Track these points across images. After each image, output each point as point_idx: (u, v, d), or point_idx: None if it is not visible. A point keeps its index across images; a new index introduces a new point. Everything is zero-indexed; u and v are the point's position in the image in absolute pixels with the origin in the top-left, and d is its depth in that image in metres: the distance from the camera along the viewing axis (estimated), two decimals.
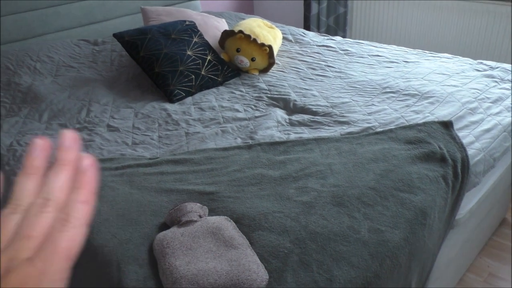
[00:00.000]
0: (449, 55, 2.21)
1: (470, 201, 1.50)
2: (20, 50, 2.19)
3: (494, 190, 1.70)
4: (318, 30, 3.24)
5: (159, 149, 1.56)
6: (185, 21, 2.18)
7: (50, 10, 2.40)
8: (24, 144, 1.59)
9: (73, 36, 2.51)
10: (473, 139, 1.52)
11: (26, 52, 2.16)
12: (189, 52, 2.02)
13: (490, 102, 1.73)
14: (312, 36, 2.58)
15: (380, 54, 2.27)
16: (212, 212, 1.20)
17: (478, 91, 1.80)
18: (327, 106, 1.75)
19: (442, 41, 2.85)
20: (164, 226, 1.16)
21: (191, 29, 2.14)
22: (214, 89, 2.00)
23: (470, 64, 2.08)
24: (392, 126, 1.58)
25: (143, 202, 1.24)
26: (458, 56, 2.19)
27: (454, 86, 1.84)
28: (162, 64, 1.95)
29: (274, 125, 1.65)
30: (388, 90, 1.86)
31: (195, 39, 2.10)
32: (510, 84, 1.86)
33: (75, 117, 1.78)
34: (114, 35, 2.03)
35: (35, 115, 1.79)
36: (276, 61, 2.25)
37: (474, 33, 2.70)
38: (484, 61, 2.08)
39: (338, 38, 2.54)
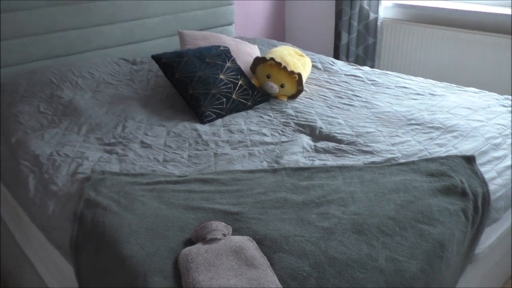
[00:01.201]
0: (476, 90, 2.23)
1: (490, 236, 1.51)
2: (64, 65, 2.33)
3: None
4: (347, 59, 3.31)
5: (188, 168, 1.63)
6: (219, 46, 2.28)
7: (94, 29, 2.55)
8: (63, 155, 1.69)
9: (113, 55, 2.66)
10: (495, 174, 1.54)
11: (70, 67, 2.30)
12: (221, 76, 2.11)
13: None
14: (340, 65, 2.64)
15: (406, 85, 2.32)
16: (235, 231, 1.26)
17: (503, 126, 1.81)
18: (352, 135, 1.80)
19: (469, 75, 2.87)
20: (190, 242, 1.22)
21: (224, 54, 2.24)
22: (243, 113, 2.08)
23: (496, 99, 2.10)
24: (415, 158, 1.61)
25: (171, 218, 1.31)
26: (484, 91, 2.21)
27: (479, 121, 1.87)
28: (195, 86, 2.04)
29: (300, 151, 1.71)
30: (413, 122, 1.89)
31: (228, 64, 2.19)
32: None
33: (111, 132, 1.88)
34: (153, 57, 2.15)
35: (74, 127, 1.91)
36: (305, 89, 2.32)
37: (502, 69, 2.71)
38: (511, 97, 2.10)
39: (366, 68, 2.60)
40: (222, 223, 1.24)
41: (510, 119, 1.89)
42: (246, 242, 1.17)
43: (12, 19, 2.25)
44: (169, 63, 2.12)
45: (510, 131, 1.79)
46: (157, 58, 2.15)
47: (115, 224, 1.27)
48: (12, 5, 2.23)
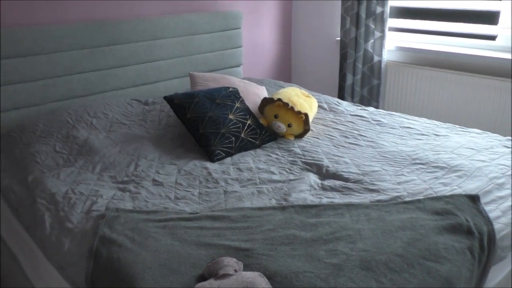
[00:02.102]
0: (479, 131, 2.29)
1: (498, 275, 1.53)
2: (80, 106, 2.43)
3: None
4: (352, 99, 3.40)
5: (199, 205, 1.68)
6: (228, 87, 2.38)
7: (109, 71, 2.67)
8: (78, 193, 1.75)
9: (127, 95, 2.76)
10: (500, 213, 1.57)
11: (85, 108, 2.40)
12: (231, 116, 2.19)
13: None
14: (346, 106, 2.72)
15: (411, 126, 2.38)
16: (246, 267, 1.29)
17: (506, 167, 1.86)
18: (358, 174, 1.85)
19: (471, 116, 2.94)
20: (202, 278, 1.26)
21: (234, 95, 2.33)
22: (252, 151, 2.14)
23: (499, 140, 2.15)
24: (420, 197, 1.65)
25: (183, 254, 1.35)
26: (487, 132, 2.27)
27: (483, 161, 1.91)
28: (206, 126, 2.12)
29: (307, 189, 1.75)
30: (417, 161, 1.94)
31: (237, 105, 2.28)
32: None
33: (124, 170, 1.94)
34: (165, 98, 2.24)
35: (89, 166, 1.97)
36: (311, 128, 2.39)
37: (505, 111, 2.78)
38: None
39: (371, 108, 2.68)
40: (234, 259, 1.27)
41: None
42: (257, 278, 1.20)
43: (33, 62, 2.37)
44: (181, 104, 2.20)
45: None
46: (169, 99, 2.24)
47: (129, 261, 1.31)
48: (33, 49, 2.35)
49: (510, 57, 2.71)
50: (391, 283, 1.22)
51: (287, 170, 1.94)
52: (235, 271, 1.23)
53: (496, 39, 2.84)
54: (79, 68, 2.54)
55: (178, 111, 2.21)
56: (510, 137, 2.17)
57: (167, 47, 2.89)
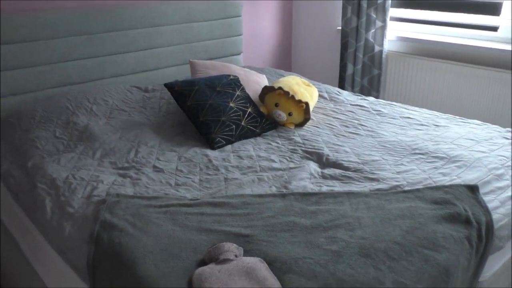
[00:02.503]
0: (479, 122, 2.29)
1: (495, 264, 1.54)
2: (79, 92, 2.42)
3: None
4: (353, 89, 3.40)
5: (199, 191, 1.68)
6: (229, 75, 2.37)
7: (108, 58, 2.65)
8: (79, 178, 1.75)
9: (126, 82, 2.75)
10: (498, 204, 1.58)
11: (85, 94, 2.39)
12: (231, 104, 2.19)
13: None
14: (346, 95, 2.72)
15: (411, 116, 2.39)
16: (246, 253, 1.30)
17: (505, 158, 1.87)
18: (358, 163, 1.86)
19: (472, 107, 2.94)
20: (203, 263, 1.27)
21: (234, 83, 2.33)
22: (252, 139, 2.15)
23: (498, 131, 2.16)
24: (419, 186, 1.66)
25: (184, 239, 1.36)
26: (487, 123, 2.28)
27: (482, 152, 1.92)
28: (206, 113, 2.12)
29: (307, 177, 1.76)
30: (417, 151, 1.95)
31: (237, 93, 2.27)
32: None
33: (124, 156, 1.94)
34: (165, 85, 2.23)
35: (89, 152, 1.97)
36: (312, 117, 2.39)
37: (505, 102, 2.78)
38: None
39: (371, 98, 2.68)
40: (234, 244, 1.28)
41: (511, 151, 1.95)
42: (257, 263, 1.21)
43: (30, 48, 2.35)
44: (181, 91, 2.20)
45: None
46: (169, 86, 2.23)
47: (130, 245, 1.32)
48: (30, 35, 2.34)
49: (511, 49, 2.71)
50: (389, 270, 1.24)
51: (288, 158, 1.94)
52: (236, 256, 1.24)
53: (498, 30, 2.84)
54: (77, 55, 2.52)
55: (179, 98, 2.20)
56: (509, 129, 2.18)
57: (166, 34, 2.88)
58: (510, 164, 1.83)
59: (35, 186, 1.74)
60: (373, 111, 2.48)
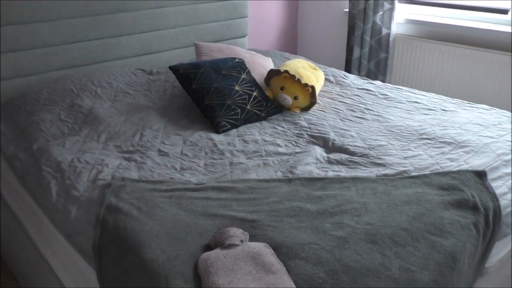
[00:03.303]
0: (487, 107, 2.26)
1: (501, 250, 1.53)
2: (84, 75, 2.40)
3: None
4: (359, 73, 3.36)
5: (204, 176, 1.68)
6: (235, 58, 2.35)
7: (112, 40, 2.62)
8: (84, 162, 1.75)
9: (130, 64, 2.73)
10: (506, 190, 1.57)
11: (89, 77, 2.37)
12: (237, 88, 2.17)
13: None
14: (352, 79, 2.69)
15: (418, 101, 2.36)
16: (252, 238, 1.30)
17: None
18: (365, 148, 1.84)
19: (480, 91, 2.91)
20: (208, 247, 1.27)
21: (240, 66, 2.30)
22: (257, 123, 2.13)
23: (507, 116, 2.13)
24: (426, 172, 1.65)
25: (190, 224, 1.35)
26: (495, 108, 2.25)
27: (490, 137, 1.90)
28: (211, 97, 2.10)
29: (313, 162, 1.75)
30: (424, 136, 1.93)
31: (243, 76, 2.25)
32: None
33: (129, 140, 1.93)
34: (170, 68, 2.21)
35: (94, 135, 1.96)
36: (318, 101, 2.36)
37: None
38: None
39: (378, 82, 2.64)
40: (240, 229, 1.28)
41: None
42: (263, 249, 1.21)
43: (34, 29, 2.33)
44: (186, 74, 2.18)
45: None
46: (174, 68, 2.21)
47: (136, 229, 1.32)
48: (34, 17, 2.31)
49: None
50: (395, 256, 1.23)
51: (293, 142, 1.93)
52: (241, 241, 1.24)
53: (509, 13, 2.78)
54: (81, 37, 2.50)
55: (184, 81, 2.18)
56: None
57: (171, 16, 2.84)
58: None
59: (41, 169, 1.74)
60: (379, 95, 2.45)
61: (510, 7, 2.78)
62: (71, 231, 1.47)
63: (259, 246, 1.22)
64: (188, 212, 1.41)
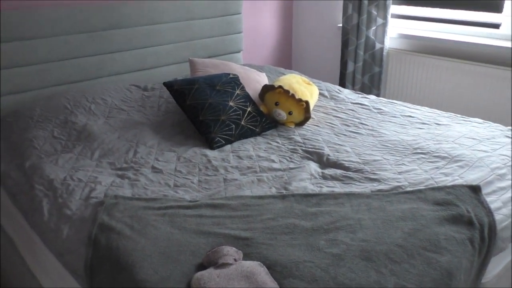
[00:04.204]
0: (481, 120, 2.27)
1: (497, 266, 1.53)
2: (78, 91, 2.40)
3: None
4: (353, 87, 3.37)
5: (198, 193, 1.66)
6: (229, 74, 2.35)
7: (107, 56, 2.63)
8: (77, 179, 1.73)
9: (125, 80, 2.73)
10: (501, 204, 1.56)
11: (83, 93, 2.37)
12: (231, 103, 2.17)
13: None
14: (347, 94, 2.70)
15: (412, 115, 2.36)
16: (246, 256, 1.28)
17: (507, 157, 1.85)
18: (359, 163, 1.84)
19: (474, 105, 2.92)
20: (202, 267, 1.25)
21: (234, 81, 2.30)
22: (252, 139, 2.13)
23: (501, 130, 2.14)
24: (421, 187, 1.64)
25: (183, 242, 1.34)
26: (489, 122, 2.25)
27: (484, 151, 1.90)
28: (206, 113, 2.10)
29: (308, 178, 1.74)
30: (419, 151, 1.93)
31: (237, 91, 2.25)
32: None
33: (123, 157, 1.92)
34: (164, 84, 2.21)
35: (87, 152, 1.95)
36: (312, 116, 2.36)
37: (507, 100, 2.76)
38: None
39: (372, 96, 2.65)
40: (233, 248, 1.26)
41: None
42: (257, 267, 1.20)
43: (29, 46, 2.33)
44: (180, 90, 2.18)
45: None
46: (169, 85, 2.21)
47: (129, 248, 1.30)
48: (28, 33, 2.31)
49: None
50: (391, 274, 1.22)
51: (288, 158, 1.92)
52: (235, 260, 1.23)
53: (500, 27, 2.81)
54: (76, 53, 2.50)
55: (178, 97, 2.18)
56: (511, 127, 2.16)
57: (166, 32, 2.85)
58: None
59: (33, 187, 1.72)
60: (374, 110, 2.46)
61: (501, 21, 2.81)
62: (63, 251, 1.45)
63: (253, 265, 1.21)
64: (181, 231, 1.40)
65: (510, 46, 2.69)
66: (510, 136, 2.07)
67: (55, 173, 1.78)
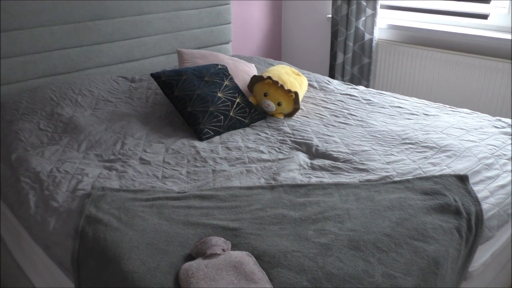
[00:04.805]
0: (469, 111, 2.28)
1: (484, 254, 1.54)
2: (64, 83, 2.36)
3: (509, 245, 1.73)
4: (343, 78, 3.37)
5: (187, 184, 1.66)
6: (217, 64, 2.33)
7: (94, 47, 2.59)
8: (63, 171, 1.71)
9: (112, 72, 2.70)
10: (488, 194, 1.58)
11: (70, 85, 2.34)
12: (219, 94, 2.16)
13: (507, 159, 1.79)
14: (336, 84, 2.70)
15: (401, 105, 2.37)
16: (234, 247, 1.28)
17: (495, 147, 1.86)
18: (348, 153, 1.84)
19: (462, 96, 2.94)
20: (190, 257, 1.24)
21: (222, 72, 2.29)
22: (241, 130, 2.12)
23: (488, 120, 2.15)
24: (409, 177, 1.65)
25: (171, 233, 1.33)
26: (477, 112, 2.27)
27: (472, 141, 1.91)
28: (194, 104, 2.08)
29: (296, 168, 1.74)
30: (407, 141, 1.94)
31: (226, 82, 2.24)
32: None
33: (110, 148, 1.90)
34: (152, 75, 2.19)
35: (74, 144, 1.93)
36: (301, 107, 2.36)
37: (494, 91, 2.78)
38: (503, 119, 2.15)
39: (361, 87, 2.65)
40: (222, 238, 1.26)
41: (502, 140, 1.94)
42: (245, 257, 1.19)
43: (13, 37, 2.29)
44: (168, 81, 2.16)
45: (502, 152, 1.84)
46: (156, 76, 2.19)
47: (116, 240, 1.29)
48: (13, 24, 2.27)
49: (500, 37, 2.70)
50: (378, 263, 1.22)
51: (277, 149, 1.92)
52: (223, 250, 1.22)
53: (489, 17, 2.82)
54: (62, 44, 2.46)
55: (166, 88, 2.16)
56: (499, 117, 2.17)
57: (153, 23, 2.82)
58: (500, 154, 1.82)
59: (19, 180, 1.70)
60: (363, 101, 2.46)
61: (489, 12, 2.82)
62: (49, 243, 1.44)
63: (241, 255, 1.20)
64: (169, 222, 1.39)
65: (498, 36, 2.70)
66: (498, 126, 2.08)
67: (41, 165, 1.76)
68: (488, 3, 2.79)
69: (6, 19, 2.24)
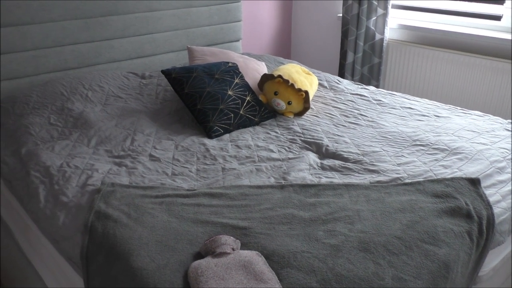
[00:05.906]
0: (480, 113, 2.26)
1: (494, 259, 1.53)
2: (74, 78, 2.37)
3: None
4: (352, 78, 3.35)
5: (196, 182, 1.65)
6: (228, 62, 2.33)
7: (104, 43, 2.60)
8: (73, 166, 1.72)
9: (122, 68, 2.70)
10: (500, 198, 1.56)
11: (80, 80, 2.34)
12: (230, 92, 2.15)
13: None
14: (346, 84, 2.68)
15: (412, 106, 2.35)
16: (244, 246, 1.28)
17: (507, 150, 1.84)
18: (358, 154, 1.83)
19: (473, 97, 2.91)
20: (199, 255, 1.24)
21: (233, 70, 2.28)
22: (250, 128, 2.11)
23: (500, 123, 2.13)
24: (420, 179, 1.64)
25: (180, 231, 1.33)
26: (489, 115, 2.24)
27: (484, 144, 1.89)
28: (204, 101, 2.08)
29: (306, 168, 1.73)
30: (418, 143, 1.92)
31: (236, 80, 2.23)
32: None
33: (120, 144, 1.91)
34: (162, 72, 2.18)
35: (84, 139, 1.93)
36: (311, 106, 2.35)
37: (507, 93, 2.75)
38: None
39: (371, 87, 2.64)
40: (231, 237, 1.26)
41: None
42: (254, 257, 1.19)
43: (25, 31, 2.30)
44: (178, 78, 2.15)
45: None
46: (167, 72, 2.19)
47: (125, 236, 1.29)
48: (25, 19, 2.28)
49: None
50: (389, 265, 1.22)
51: (286, 148, 1.91)
52: (233, 249, 1.22)
53: (502, 19, 2.79)
54: (73, 39, 2.47)
55: (176, 85, 2.16)
56: (511, 120, 2.15)
57: (164, 19, 2.82)
58: (511, 157, 1.80)
59: (29, 174, 1.70)
60: (373, 101, 2.44)
61: (503, 13, 2.79)
62: (59, 238, 1.44)
63: (251, 255, 1.20)
64: (179, 219, 1.39)
65: (510, 38, 2.67)
66: (510, 129, 2.06)
67: (51, 159, 1.76)
68: (502, 4, 2.75)
69: (18, 14, 2.25)
